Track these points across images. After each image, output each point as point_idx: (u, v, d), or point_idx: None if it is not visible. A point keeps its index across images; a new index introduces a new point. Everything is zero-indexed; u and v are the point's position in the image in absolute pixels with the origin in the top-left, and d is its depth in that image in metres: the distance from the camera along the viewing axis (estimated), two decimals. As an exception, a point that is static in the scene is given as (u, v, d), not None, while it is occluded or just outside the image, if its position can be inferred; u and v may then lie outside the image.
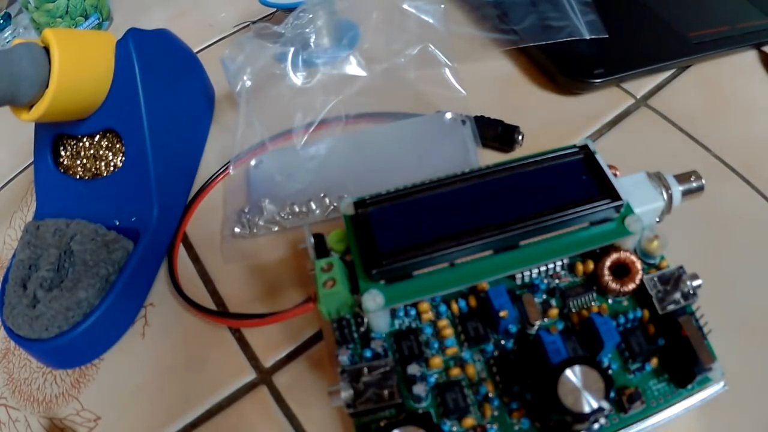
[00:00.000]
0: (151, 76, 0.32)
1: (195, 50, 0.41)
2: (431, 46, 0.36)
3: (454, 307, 0.25)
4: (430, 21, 0.36)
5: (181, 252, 0.34)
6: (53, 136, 0.33)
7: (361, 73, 0.37)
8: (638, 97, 0.37)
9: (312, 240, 0.26)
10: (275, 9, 0.42)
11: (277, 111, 0.36)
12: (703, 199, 0.27)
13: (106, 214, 0.32)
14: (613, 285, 0.24)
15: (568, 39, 0.37)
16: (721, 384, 0.23)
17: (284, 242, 0.33)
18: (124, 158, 0.32)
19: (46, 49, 0.29)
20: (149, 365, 0.30)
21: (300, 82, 0.36)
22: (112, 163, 0.33)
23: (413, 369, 0.23)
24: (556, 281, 0.25)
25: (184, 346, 0.30)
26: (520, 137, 0.35)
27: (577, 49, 0.38)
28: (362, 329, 0.24)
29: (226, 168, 0.36)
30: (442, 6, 0.36)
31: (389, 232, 0.24)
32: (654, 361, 0.23)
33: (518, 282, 0.25)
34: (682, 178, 0.27)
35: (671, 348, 0.23)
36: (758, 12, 0.41)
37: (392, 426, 0.21)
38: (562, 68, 0.37)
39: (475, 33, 0.41)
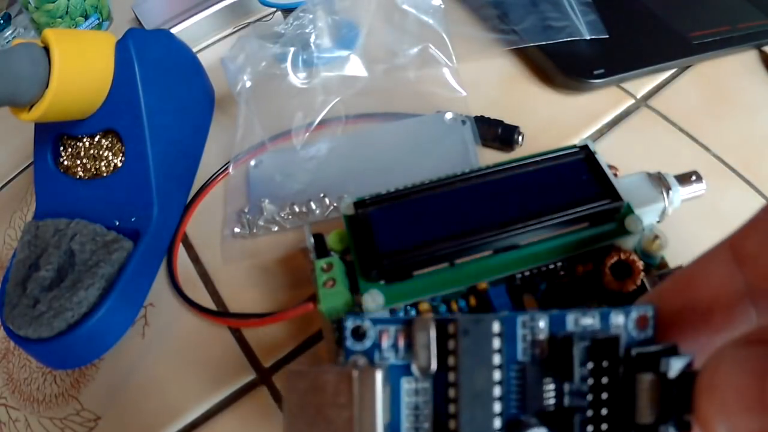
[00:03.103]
0: (151, 76, 0.32)
1: (195, 50, 0.41)
2: (431, 46, 0.36)
3: (454, 307, 0.25)
4: (430, 21, 0.36)
5: (181, 252, 0.34)
6: (53, 136, 0.33)
7: (361, 73, 0.36)
8: (638, 97, 0.37)
9: (312, 240, 0.26)
10: (275, 9, 0.42)
11: (277, 111, 0.36)
12: (703, 199, 0.27)
13: (106, 214, 0.32)
14: (614, 285, 0.24)
15: (568, 39, 0.37)
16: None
17: (284, 242, 0.33)
18: (124, 158, 0.32)
19: (46, 49, 0.29)
20: (149, 365, 0.30)
21: (300, 82, 0.36)
22: (112, 163, 0.33)
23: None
24: (557, 281, 0.25)
25: (184, 346, 0.30)
26: (520, 137, 0.34)
27: (577, 49, 0.38)
28: (362, 329, 0.24)
29: (226, 168, 0.36)
30: (442, 6, 0.36)
31: (389, 232, 0.24)
32: (654, 361, 0.23)
33: (518, 282, 0.25)
34: (682, 179, 0.27)
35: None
36: (758, 12, 0.41)
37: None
38: (562, 68, 0.37)
39: (475, 33, 0.41)
